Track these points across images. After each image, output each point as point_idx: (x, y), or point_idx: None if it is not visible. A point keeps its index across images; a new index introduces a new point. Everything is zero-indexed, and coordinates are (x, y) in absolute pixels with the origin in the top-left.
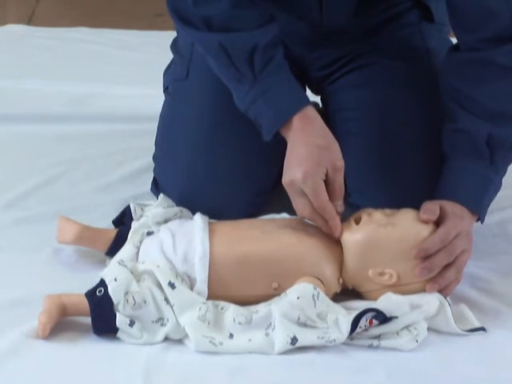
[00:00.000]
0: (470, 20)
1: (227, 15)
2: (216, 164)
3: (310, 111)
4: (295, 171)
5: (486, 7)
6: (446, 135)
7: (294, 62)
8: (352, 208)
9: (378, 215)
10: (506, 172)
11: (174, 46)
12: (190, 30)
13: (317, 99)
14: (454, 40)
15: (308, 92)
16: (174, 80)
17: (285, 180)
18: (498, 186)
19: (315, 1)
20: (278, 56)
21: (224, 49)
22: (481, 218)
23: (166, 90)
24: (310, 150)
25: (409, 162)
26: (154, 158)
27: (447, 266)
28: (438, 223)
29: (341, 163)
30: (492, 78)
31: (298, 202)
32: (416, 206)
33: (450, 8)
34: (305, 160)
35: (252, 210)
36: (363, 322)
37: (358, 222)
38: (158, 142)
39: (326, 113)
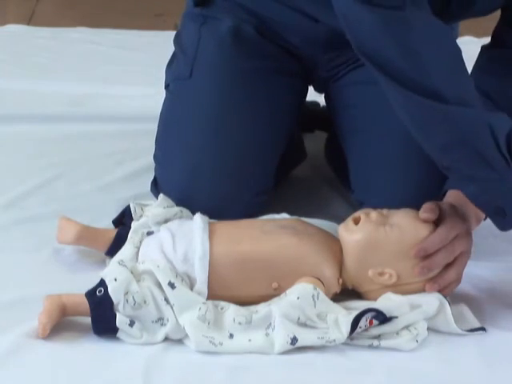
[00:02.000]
0: None
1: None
2: (217, 164)
3: None
4: None
5: None
6: None
7: (301, 60)
8: (356, 205)
9: (377, 215)
10: None
11: (177, 40)
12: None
13: (318, 97)
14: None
15: (311, 90)
16: (175, 78)
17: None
18: None
19: None
20: None
21: (492, 131)
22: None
23: (167, 87)
24: None
25: (414, 158)
26: (155, 157)
27: (447, 267)
28: (437, 224)
29: None
30: None
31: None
32: (421, 203)
33: (506, 9)
34: None
35: (252, 210)
36: (363, 322)
37: (356, 222)
38: (159, 142)
39: (331, 110)
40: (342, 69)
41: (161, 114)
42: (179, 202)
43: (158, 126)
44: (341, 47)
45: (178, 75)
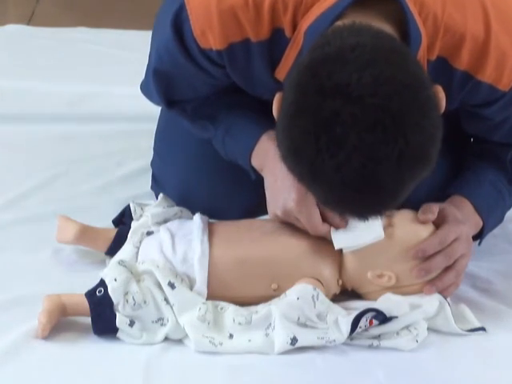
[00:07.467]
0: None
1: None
2: (215, 164)
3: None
4: (287, 201)
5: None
6: (472, 148)
7: None
8: None
9: None
10: None
11: None
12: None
13: None
14: None
15: None
16: None
17: (276, 210)
18: (503, 212)
19: None
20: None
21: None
22: (484, 228)
23: None
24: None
25: None
26: (152, 163)
27: (446, 270)
28: (437, 227)
29: None
30: None
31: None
32: (417, 208)
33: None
34: (293, 188)
35: (252, 210)
36: (363, 322)
37: None
38: (157, 141)
39: None
40: None
41: (159, 120)
42: (178, 202)
43: (156, 131)
44: None
45: None
